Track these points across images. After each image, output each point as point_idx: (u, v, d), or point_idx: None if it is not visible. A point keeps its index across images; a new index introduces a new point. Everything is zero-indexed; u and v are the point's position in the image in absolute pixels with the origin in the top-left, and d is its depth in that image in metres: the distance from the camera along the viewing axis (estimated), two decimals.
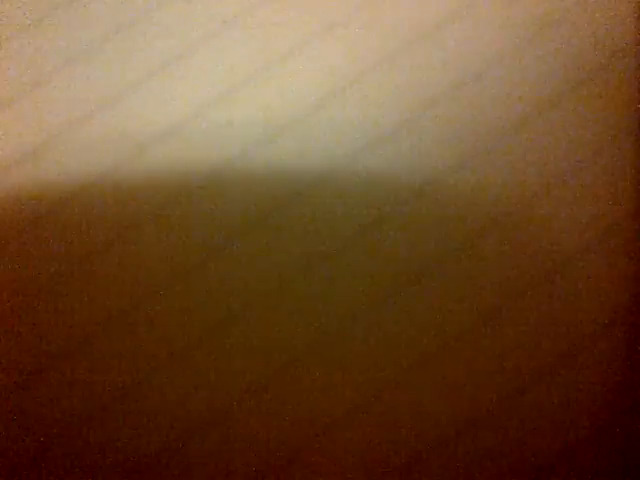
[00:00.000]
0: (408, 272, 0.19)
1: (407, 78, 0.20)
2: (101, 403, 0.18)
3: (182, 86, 0.20)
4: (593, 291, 0.18)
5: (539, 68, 0.19)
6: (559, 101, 0.19)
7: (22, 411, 0.18)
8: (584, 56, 0.19)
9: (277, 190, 0.19)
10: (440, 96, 0.19)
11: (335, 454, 0.18)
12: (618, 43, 0.19)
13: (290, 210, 0.19)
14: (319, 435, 0.18)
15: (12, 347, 0.19)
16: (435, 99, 0.19)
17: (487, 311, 0.18)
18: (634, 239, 0.18)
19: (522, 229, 0.18)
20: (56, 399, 0.18)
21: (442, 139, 0.19)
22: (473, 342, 0.18)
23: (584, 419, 0.18)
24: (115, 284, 0.19)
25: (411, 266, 0.19)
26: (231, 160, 0.19)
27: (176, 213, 0.19)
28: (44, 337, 0.19)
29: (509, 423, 0.18)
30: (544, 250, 0.18)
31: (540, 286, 0.18)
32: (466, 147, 0.19)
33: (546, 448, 0.18)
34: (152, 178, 0.19)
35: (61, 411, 0.18)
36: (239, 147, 0.19)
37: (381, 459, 0.18)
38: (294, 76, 0.20)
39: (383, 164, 0.19)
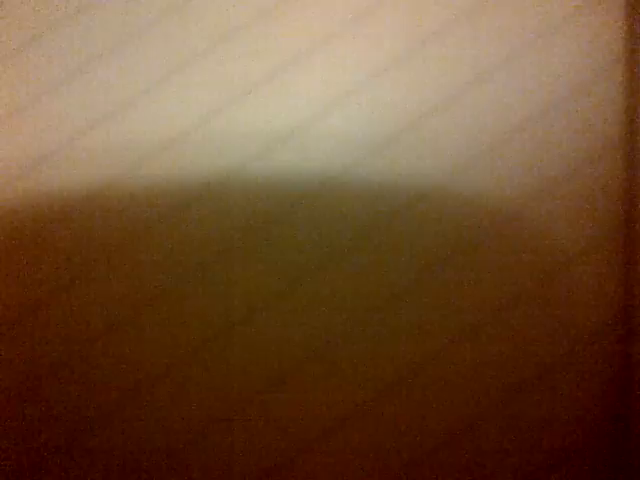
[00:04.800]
0: (408, 277, 0.19)
1: (407, 85, 0.20)
2: (104, 407, 0.18)
3: (183, 98, 0.20)
4: (590, 293, 0.18)
5: (536, 75, 0.19)
6: (556, 108, 0.19)
7: (25, 415, 0.19)
8: (579, 64, 0.19)
9: (278, 198, 0.19)
10: (438, 103, 0.19)
11: (337, 456, 0.18)
12: (612, 52, 0.19)
13: (291, 218, 0.19)
14: (320, 437, 0.18)
15: (16, 352, 0.19)
16: (434, 106, 0.19)
17: (487, 313, 0.18)
18: (629, 243, 0.18)
19: (520, 233, 0.19)
20: (59, 403, 0.19)
21: (441, 146, 0.19)
22: (474, 344, 0.18)
23: (583, 420, 0.18)
24: (118, 291, 0.19)
25: (411, 271, 0.19)
26: (232, 170, 0.19)
27: (177, 222, 0.19)
28: (47, 343, 0.19)
29: (509, 424, 0.18)
30: (542, 253, 0.18)
31: (539, 289, 0.18)
32: (465, 153, 0.19)
33: (546, 448, 0.18)
34: (153, 189, 0.19)
35: (64, 414, 0.18)
36: (240, 157, 0.19)
37: (382, 461, 0.18)
38: (294, 86, 0.20)
39: (383, 171, 0.19)
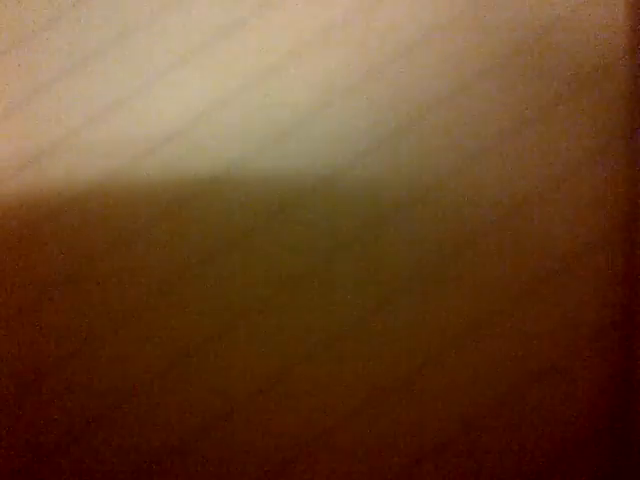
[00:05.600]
0: (408, 274, 0.19)
1: (405, 83, 0.20)
2: (103, 406, 0.18)
3: (182, 92, 0.20)
4: (590, 293, 0.18)
5: (536, 74, 0.19)
6: (556, 106, 0.19)
7: (24, 414, 0.19)
8: (580, 63, 0.19)
9: (279, 194, 0.19)
10: (439, 101, 0.19)
11: (336, 455, 0.18)
12: (613, 50, 0.19)
13: (290, 215, 0.19)
14: (320, 437, 0.18)
15: (14, 350, 0.19)
16: (434, 104, 0.19)
17: (486, 313, 0.18)
18: (629, 242, 0.18)
19: (520, 232, 0.19)
20: (58, 402, 0.19)
21: (441, 143, 0.19)
22: (472, 344, 0.18)
23: (583, 420, 0.18)
24: (117, 287, 0.19)
25: (411, 268, 0.19)
26: (232, 166, 0.19)
27: (178, 217, 0.19)
28: (45, 341, 0.19)
29: (509, 424, 0.18)
30: (542, 252, 0.18)
31: (538, 288, 0.18)
32: (465, 151, 0.19)
33: (546, 448, 0.18)
34: (153, 183, 0.19)
35: (63, 414, 0.18)
36: (240, 153, 0.19)
37: (382, 461, 0.18)
38: (294, 81, 0.20)
39: (383, 168, 0.19)
